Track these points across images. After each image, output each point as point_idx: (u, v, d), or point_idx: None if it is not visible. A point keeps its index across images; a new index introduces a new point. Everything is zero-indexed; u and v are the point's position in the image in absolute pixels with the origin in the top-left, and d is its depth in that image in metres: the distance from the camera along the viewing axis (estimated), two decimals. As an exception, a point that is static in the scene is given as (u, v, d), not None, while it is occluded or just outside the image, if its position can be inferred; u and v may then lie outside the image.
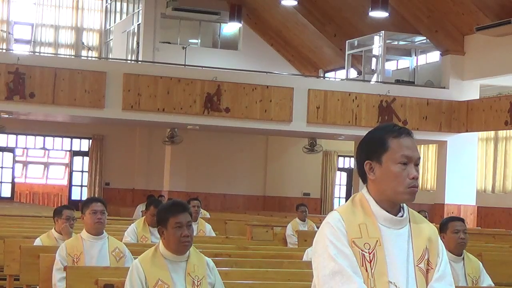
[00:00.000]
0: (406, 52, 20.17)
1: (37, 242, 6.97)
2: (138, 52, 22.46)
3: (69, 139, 22.90)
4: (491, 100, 17.72)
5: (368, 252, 2.80)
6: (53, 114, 16.97)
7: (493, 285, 6.04)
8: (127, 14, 24.08)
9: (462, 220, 6.11)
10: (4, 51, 21.74)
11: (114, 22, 25.14)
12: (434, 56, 19.61)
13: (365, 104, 17.72)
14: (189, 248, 4.47)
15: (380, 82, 18.71)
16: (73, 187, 23.59)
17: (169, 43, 22.57)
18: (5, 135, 22.18)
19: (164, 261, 4.40)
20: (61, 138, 22.77)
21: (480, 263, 6.09)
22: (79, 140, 22.97)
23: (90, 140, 22.60)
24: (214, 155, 22.09)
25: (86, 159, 22.88)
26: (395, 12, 17.98)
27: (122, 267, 5.72)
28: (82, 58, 22.76)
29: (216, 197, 21.97)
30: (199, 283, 4.41)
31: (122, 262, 5.91)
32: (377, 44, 19.50)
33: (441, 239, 3.04)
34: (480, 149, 19.67)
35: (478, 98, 18.25)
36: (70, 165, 23.77)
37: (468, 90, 18.30)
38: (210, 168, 21.97)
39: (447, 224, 5.95)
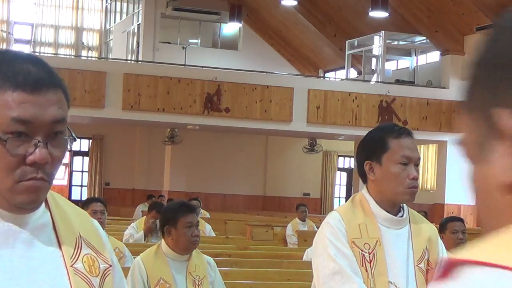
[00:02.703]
0: (406, 52, 20.17)
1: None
2: (138, 52, 22.47)
3: (69, 139, 22.89)
4: (491, 100, 17.73)
5: (368, 252, 2.81)
6: (53, 114, 16.98)
7: None
8: (127, 14, 24.09)
9: (461, 220, 6.11)
10: (4, 51, 21.73)
11: (114, 22, 25.15)
12: (434, 56, 19.62)
13: (365, 104, 17.73)
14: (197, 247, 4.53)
15: (380, 82, 18.72)
16: (73, 187, 23.60)
17: (169, 43, 22.58)
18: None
19: (166, 260, 4.42)
20: (61, 138, 22.75)
21: None
22: (79, 140, 22.97)
23: (90, 140, 22.60)
24: (214, 155, 22.09)
25: (86, 159, 22.89)
26: (395, 12, 17.99)
27: (122, 267, 5.72)
28: (82, 58, 22.77)
29: (216, 197, 21.97)
30: (200, 282, 4.42)
31: (122, 262, 5.92)
32: (377, 44, 19.51)
33: (440, 239, 3.05)
34: (480, 149, 19.68)
35: (478, 98, 18.26)
36: (70, 165, 23.77)
37: (468, 90, 18.30)
38: (210, 168, 21.97)
39: (446, 224, 5.96)
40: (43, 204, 1.59)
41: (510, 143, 0.74)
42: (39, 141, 1.46)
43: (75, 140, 1.56)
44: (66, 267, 1.56)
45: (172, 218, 4.50)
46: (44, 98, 1.47)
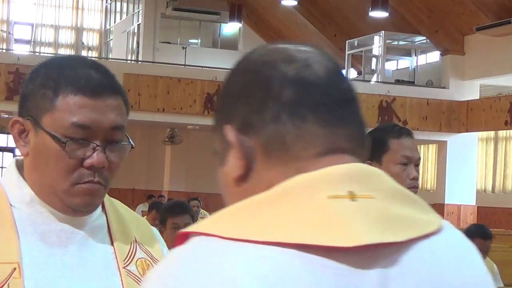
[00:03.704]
0: (406, 52, 20.17)
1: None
2: (138, 52, 22.47)
3: (69, 139, 22.87)
4: (491, 100, 17.72)
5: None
6: (53, 114, 16.97)
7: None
8: (127, 14, 24.08)
9: (490, 238, 5.91)
10: (4, 51, 21.74)
11: (114, 22, 25.15)
12: (434, 56, 19.61)
13: (365, 104, 17.70)
14: None
15: (380, 82, 18.71)
16: (73, 187, 23.61)
17: (169, 43, 22.57)
18: (5, 135, 22.16)
19: (165, 260, 4.42)
20: (61, 138, 22.72)
21: (495, 265, 6.00)
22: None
23: (90, 140, 22.58)
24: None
25: (86, 159, 22.90)
26: (395, 12, 17.98)
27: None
28: (82, 58, 22.74)
29: (216, 197, 21.89)
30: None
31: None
32: (377, 44, 19.50)
33: None
34: (480, 149, 19.67)
35: (478, 98, 18.25)
36: (70, 165, 23.76)
37: (468, 90, 18.30)
38: (210, 168, 21.88)
39: (475, 239, 5.71)
40: (100, 207, 1.62)
41: (234, 149, 1.01)
42: (97, 145, 1.50)
43: (133, 147, 1.58)
44: (119, 268, 1.57)
45: (163, 218, 4.50)
46: (104, 103, 1.50)
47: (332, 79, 1.02)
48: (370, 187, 0.98)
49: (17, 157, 1.62)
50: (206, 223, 0.97)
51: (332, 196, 0.95)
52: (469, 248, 1.05)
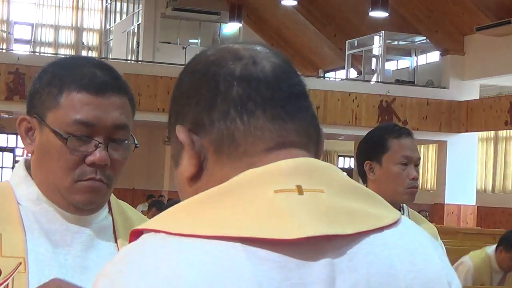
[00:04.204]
0: (406, 52, 20.17)
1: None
2: (138, 52, 22.46)
3: (69, 139, 22.84)
4: (491, 100, 17.73)
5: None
6: (53, 114, 16.96)
7: None
8: (127, 14, 24.08)
9: None
10: (4, 51, 21.74)
11: (114, 22, 25.15)
12: (434, 56, 19.62)
13: (365, 104, 17.72)
14: None
15: (380, 82, 18.71)
16: (73, 187, 23.59)
17: (169, 43, 22.57)
18: (5, 135, 22.17)
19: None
20: (61, 138, 22.70)
21: None
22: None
23: (90, 140, 22.56)
24: (214, 155, 22.06)
25: (86, 159, 22.87)
26: (395, 12, 17.98)
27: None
28: (82, 58, 22.74)
29: (216, 197, 21.94)
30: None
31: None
32: (377, 44, 19.51)
33: (496, 250, 2.99)
34: (480, 149, 19.67)
35: (478, 98, 18.26)
36: (70, 165, 23.73)
37: (468, 90, 18.30)
38: (210, 168, 21.93)
39: (510, 250, 5.78)
40: (106, 208, 1.63)
41: (186, 149, 1.03)
42: (99, 143, 1.50)
43: (137, 146, 1.61)
44: None
45: None
46: (107, 101, 1.52)
47: (280, 75, 1.05)
48: (319, 181, 0.98)
49: (26, 157, 1.63)
50: (156, 219, 0.97)
51: (279, 190, 0.95)
52: (427, 243, 1.04)
